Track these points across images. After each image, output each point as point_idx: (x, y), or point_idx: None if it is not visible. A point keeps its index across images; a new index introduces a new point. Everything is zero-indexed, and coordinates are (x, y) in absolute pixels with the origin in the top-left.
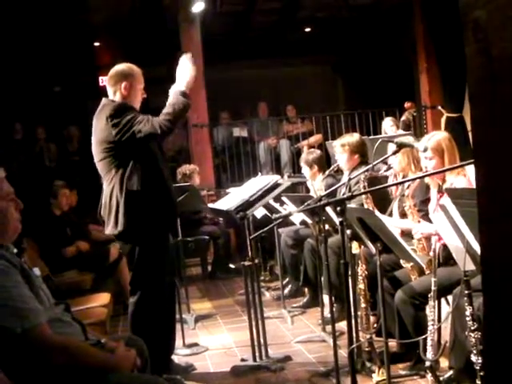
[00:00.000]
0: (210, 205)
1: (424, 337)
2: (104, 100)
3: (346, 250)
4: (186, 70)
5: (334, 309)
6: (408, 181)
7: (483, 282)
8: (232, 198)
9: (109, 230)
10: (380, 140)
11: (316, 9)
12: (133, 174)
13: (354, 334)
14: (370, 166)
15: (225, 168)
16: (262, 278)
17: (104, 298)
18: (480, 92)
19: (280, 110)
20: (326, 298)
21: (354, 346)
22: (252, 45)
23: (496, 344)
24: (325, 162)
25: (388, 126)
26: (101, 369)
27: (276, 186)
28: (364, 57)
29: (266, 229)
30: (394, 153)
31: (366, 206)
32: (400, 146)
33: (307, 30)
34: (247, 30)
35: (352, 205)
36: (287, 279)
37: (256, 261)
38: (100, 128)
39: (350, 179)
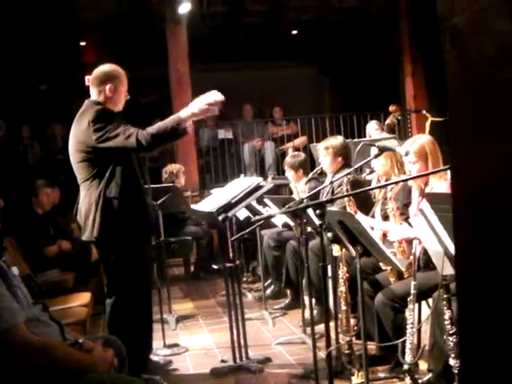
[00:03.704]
0: (193, 206)
1: (402, 340)
2: (87, 102)
3: (327, 252)
4: (201, 101)
5: (315, 311)
6: (390, 184)
7: (457, 285)
8: (214, 200)
9: (85, 235)
10: (362, 143)
11: (302, 11)
12: (111, 181)
13: (334, 337)
14: (352, 169)
15: (209, 169)
16: (245, 279)
17: (84, 297)
18: (458, 99)
19: (266, 111)
20: (307, 300)
21: (331, 348)
22: (239, 46)
23: (471, 347)
24: (309, 164)
25: (372, 129)
26: (78, 369)
27: (258, 187)
28: (350, 60)
29: (247, 231)
30: (376, 156)
31: (348, 209)
32: (382, 150)
33: (294, 32)
34: (234, 32)
35: (333, 208)
36: (269, 281)
37: (237, 262)
38: (81, 130)
39: (331, 182)
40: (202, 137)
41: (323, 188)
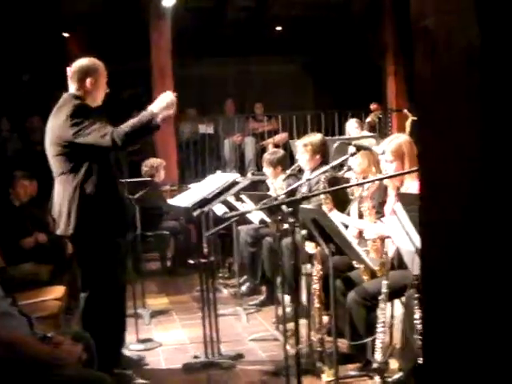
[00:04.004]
0: (169, 201)
1: (372, 338)
2: (66, 95)
3: (300, 250)
4: (164, 98)
5: (289, 308)
6: (365, 183)
7: (422, 284)
8: (190, 195)
9: (60, 230)
10: (338, 142)
11: (287, 7)
12: (88, 176)
13: (307, 334)
14: (328, 166)
15: (189, 164)
16: (221, 274)
17: (58, 291)
18: (427, 98)
19: (248, 107)
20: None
21: (299, 347)
22: (223, 41)
23: (433, 345)
24: (288, 161)
25: (352, 127)
26: (46, 363)
27: (234, 184)
28: (334, 58)
29: (221, 226)
30: (352, 155)
31: (325, 207)
32: (358, 149)
33: (278, 28)
34: (218, 27)
35: (307, 205)
36: (245, 277)
37: (212, 258)
38: (58, 124)
39: (307, 180)
40: (182, 131)
41: (300, 185)
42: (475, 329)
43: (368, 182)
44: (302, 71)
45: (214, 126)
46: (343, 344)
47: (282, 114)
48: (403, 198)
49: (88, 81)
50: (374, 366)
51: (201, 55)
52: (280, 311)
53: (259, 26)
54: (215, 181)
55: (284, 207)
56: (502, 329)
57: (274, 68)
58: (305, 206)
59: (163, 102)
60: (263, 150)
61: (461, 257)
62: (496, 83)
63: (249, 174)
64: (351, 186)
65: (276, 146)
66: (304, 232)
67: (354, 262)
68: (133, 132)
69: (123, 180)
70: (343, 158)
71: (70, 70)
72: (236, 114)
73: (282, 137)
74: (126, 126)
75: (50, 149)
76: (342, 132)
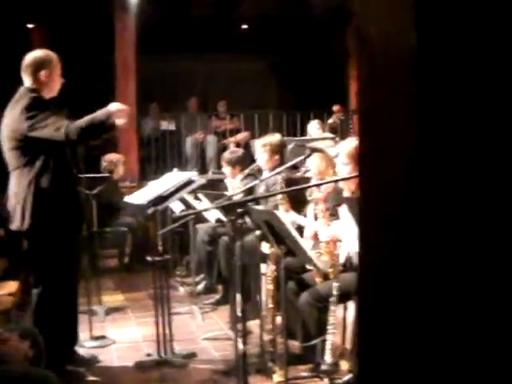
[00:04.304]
0: (126, 197)
1: (321, 340)
2: (22, 89)
3: (257, 250)
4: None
5: (245, 308)
6: (315, 185)
7: (359, 285)
8: (146, 193)
9: (14, 225)
10: (293, 143)
11: (254, 6)
12: (43, 171)
13: (259, 335)
14: (282, 168)
15: (150, 160)
16: (179, 272)
17: (11, 286)
18: (367, 103)
19: (211, 105)
20: (237, 297)
21: (243, 348)
22: (188, 38)
23: (367, 348)
24: (248, 161)
25: (314, 128)
26: None
27: (190, 182)
28: (299, 58)
29: (175, 225)
30: (306, 157)
31: (281, 208)
32: (312, 151)
33: (244, 26)
34: (184, 23)
35: (260, 206)
36: (202, 275)
37: (167, 256)
38: (14, 117)
39: (261, 180)
40: (144, 127)
41: (257, 186)
42: (410, 332)
43: (318, 184)
44: (267, 70)
45: (176, 122)
46: (295, 345)
47: (245, 112)
48: (349, 201)
49: (42, 73)
50: (324, 367)
51: (165, 51)
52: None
53: (225, 24)
54: (171, 179)
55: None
56: (438, 332)
57: (239, 66)
58: (257, 207)
59: (118, 108)
60: (225, 148)
61: (396, 259)
62: (432, 88)
63: (209, 173)
64: (304, 187)
65: (238, 144)
66: (258, 232)
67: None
68: (88, 127)
69: (81, 175)
70: (297, 159)
71: (23, 64)
72: (199, 111)
73: (243, 136)
74: (82, 121)
75: (6, 143)
76: (304, 132)
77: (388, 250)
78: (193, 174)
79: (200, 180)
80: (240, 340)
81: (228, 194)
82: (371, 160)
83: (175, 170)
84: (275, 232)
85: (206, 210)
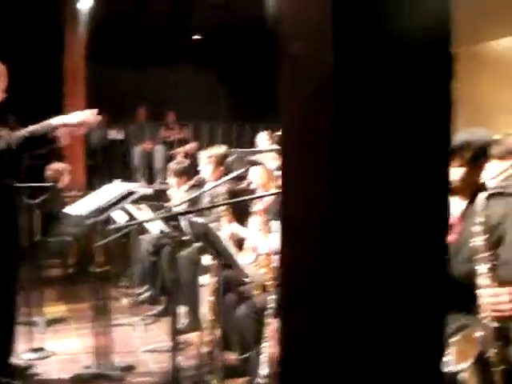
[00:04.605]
0: (66, 208)
1: (253, 352)
2: None
3: (198, 262)
4: (79, 116)
5: (187, 320)
6: (255, 198)
7: (281, 298)
8: (85, 203)
9: None
10: (234, 155)
11: (206, 17)
12: None
13: (199, 347)
14: (223, 180)
15: (97, 170)
16: (123, 283)
17: None
18: (293, 122)
19: (161, 115)
20: (180, 309)
21: (178, 361)
22: (139, 47)
23: (287, 358)
24: (193, 172)
25: (263, 139)
26: None
27: (130, 193)
28: (251, 70)
29: (114, 236)
30: (246, 170)
31: (224, 219)
32: (251, 164)
33: (196, 37)
34: (136, 32)
35: (200, 218)
36: (146, 286)
37: (107, 267)
38: None
39: (201, 192)
40: (91, 136)
41: (202, 197)
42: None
43: (256, 197)
44: (218, 82)
45: (124, 132)
46: (234, 357)
47: (194, 123)
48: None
49: None
50: (259, 380)
51: (116, 60)
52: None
53: (177, 34)
54: (111, 190)
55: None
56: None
57: (190, 77)
58: (197, 218)
59: (75, 118)
60: (173, 158)
61: (308, 257)
62: (347, 114)
63: (157, 183)
64: (244, 200)
65: (186, 155)
66: (198, 244)
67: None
68: (29, 138)
69: (22, 184)
70: (236, 172)
71: None
72: (148, 120)
73: (191, 146)
74: (25, 131)
75: None
76: (253, 144)
77: (299, 251)
78: (133, 186)
79: (142, 190)
80: (177, 352)
81: (170, 205)
82: (290, 176)
83: (116, 180)
84: (212, 244)
85: (145, 222)
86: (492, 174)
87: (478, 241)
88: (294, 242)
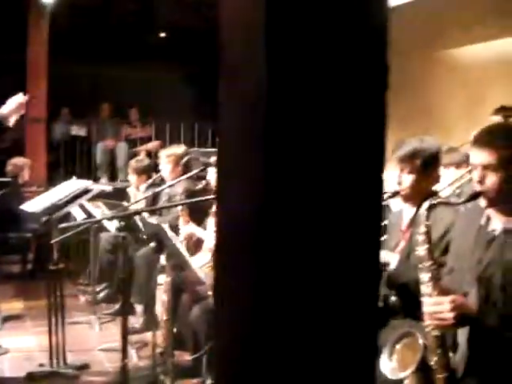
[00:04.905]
0: (23, 204)
1: (203, 352)
2: None
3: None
4: (14, 100)
5: (142, 319)
6: (208, 199)
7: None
8: (42, 200)
9: None
10: (191, 155)
11: (174, 15)
12: None
13: (153, 347)
14: (178, 180)
15: (59, 166)
16: (81, 281)
17: None
18: (229, 123)
19: (124, 112)
20: (137, 308)
21: (125, 362)
22: (105, 43)
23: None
24: (154, 170)
25: None
26: None
27: (87, 191)
28: (216, 69)
29: (67, 234)
30: (201, 170)
31: (181, 219)
32: (205, 165)
33: (162, 35)
34: (102, 28)
35: (152, 218)
36: (104, 284)
37: (62, 265)
38: None
39: (158, 191)
40: (54, 132)
41: (161, 196)
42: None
43: (213, 198)
44: (183, 80)
45: (87, 128)
46: (187, 358)
47: (158, 121)
48: None
49: None
50: (211, 380)
51: (81, 55)
52: (133, 322)
53: (144, 31)
54: (68, 187)
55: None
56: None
57: (156, 74)
58: (150, 218)
59: (12, 104)
60: (136, 156)
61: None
62: (279, 123)
63: (118, 181)
64: (201, 200)
65: (148, 153)
66: (153, 244)
67: None
68: None
69: None
70: (192, 172)
71: None
72: (111, 117)
73: (153, 145)
74: None
75: None
76: (215, 144)
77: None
78: (90, 183)
79: (99, 188)
80: (134, 352)
81: (127, 203)
82: (226, 174)
83: (74, 178)
84: (164, 245)
85: (100, 220)
86: (448, 181)
87: (421, 250)
88: (230, 238)
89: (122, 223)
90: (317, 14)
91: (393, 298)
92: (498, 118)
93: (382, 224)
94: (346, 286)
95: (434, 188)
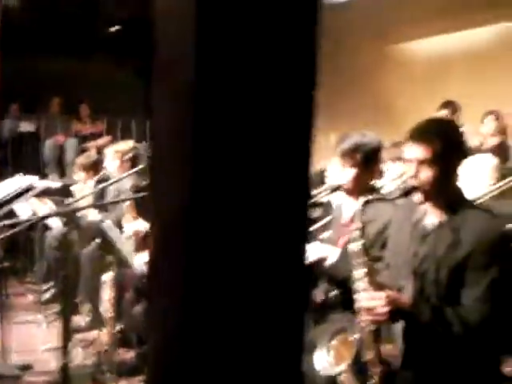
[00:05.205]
0: None
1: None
2: None
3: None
4: None
5: (89, 317)
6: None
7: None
8: None
9: None
10: (137, 151)
11: (125, 9)
12: None
13: (99, 344)
14: (123, 175)
15: (7, 162)
16: (29, 279)
17: None
18: (160, 121)
19: (75, 107)
20: (83, 306)
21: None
22: (55, 37)
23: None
24: (101, 166)
25: None
26: None
27: (30, 188)
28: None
29: (14, 231)
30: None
31: (127, 215)
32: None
33: (114, 29)
34: (51, 22)
35: (96, 215)
36: (52, 283)
37: (7, 263)
38: None
39: (103, 187)
40: (1, 127)
41: (108, 192)
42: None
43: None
44: (134, 75)
45: (36, 124)
46: (132, 355)
47: (108, 117)
48: None
49: None
50: None
51: (30, 49)
52: (79, 320)
53: (95, 25)
54: (12, 184)
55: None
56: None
57: (106, 69)
58: (93, 215)
59: None
60: (85, 152)
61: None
62: (207, 121)
63: (67, 177)
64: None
65: (98, 149)
66: (97, 241)
67: None
68: None
69: None
70: (141, 166)
71: None
72: (61, 113)
73: (104, 141)
74: None
75: None
76: None
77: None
78: (35, 180)
79: (44, 185)
80: (79, 351)
81: (73, 200)
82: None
83: (18, 175)
84: (106, 241)
85: (45, 217)
86: (393, 175)
87: (356, 245)
88: (161, 234)
89: (65, 219)
90: (247, 11)
91: (333, 293)
92: (444, 113)
93: (327, 219)
94: (272, 278)
95: (381, 183)
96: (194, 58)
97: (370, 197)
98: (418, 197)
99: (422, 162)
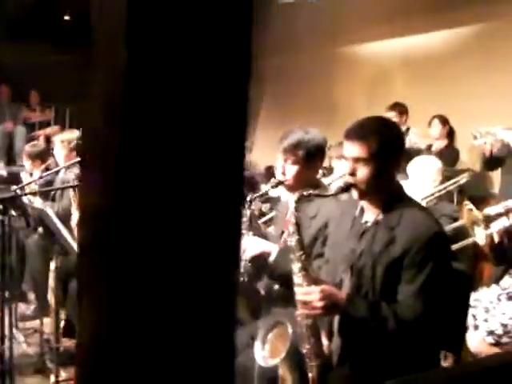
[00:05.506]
0: None
1: None
2: None
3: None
4: None
5: (34, 306)
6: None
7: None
8: None
9: None
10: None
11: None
12: None
13: (42, 334)
14: (68, 163)
15: None
16: None
17: None
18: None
19: (24, 95)
20: (29, 295)
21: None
22: (6, 24)
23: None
24: (49, 155)
25: None
26: None
27: None
28: None
29: None
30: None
31: (74, 205)
32: None
33: (67, 18)
34: (3, 7)
35: (38, 203)
36: None
37: None
38: None
39: (41, 177)
40: None
41: (55, 182)
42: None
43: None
44: (85, 64)
45: None
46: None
47: (58, 105)
48: None
49: None
50: None
51: None
52: (23, 309)
53: (46, 14)
54: None
55: (27, 202)
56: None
57: (58, 58)
58: (37, 203)
59: None
60: (34, 140)
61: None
62: (135, 116)
63: (16, 165)
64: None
65: (47, 138)
66: (40, 229)
67: None
68: None
69: None
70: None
71: None
72: (10, 100)
73: (52, 130)
74: None
75: None
76: None
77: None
78: None
79: None
80: (22, 339)
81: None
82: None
83: None
84: (49, 230)
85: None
86: (340, 173)
87: (291, 240)
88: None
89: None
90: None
91: (276, 287)
92: (392, 114)
93: (272, 214)
94: (200, 275)
95: (330, 180)
96: (125, 43)
97: (304, 193)
98: (355, 194)
99: (357, 160)
